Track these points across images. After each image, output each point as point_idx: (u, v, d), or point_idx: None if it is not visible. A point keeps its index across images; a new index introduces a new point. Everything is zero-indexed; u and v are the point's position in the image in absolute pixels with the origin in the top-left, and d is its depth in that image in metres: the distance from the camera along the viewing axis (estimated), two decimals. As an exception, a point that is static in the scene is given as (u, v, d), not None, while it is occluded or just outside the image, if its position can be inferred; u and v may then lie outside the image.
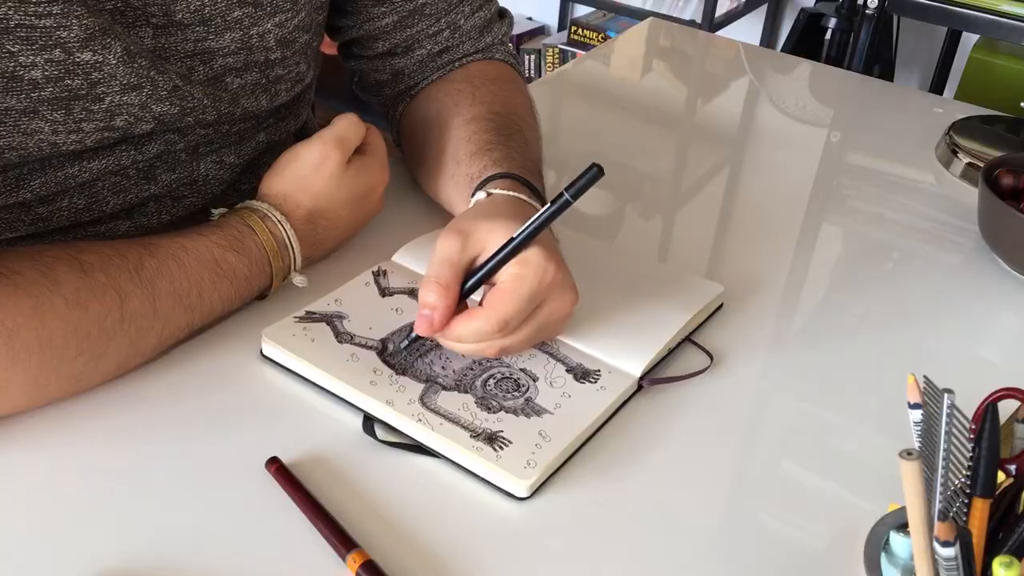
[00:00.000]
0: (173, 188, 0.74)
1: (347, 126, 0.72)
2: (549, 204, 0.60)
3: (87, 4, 0.61)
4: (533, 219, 0.60)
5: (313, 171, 0.70)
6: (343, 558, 0.51)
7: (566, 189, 0.60)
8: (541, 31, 3.07)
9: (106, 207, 0.70)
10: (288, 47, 0.75)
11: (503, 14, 0.90)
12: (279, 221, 0.68)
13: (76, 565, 0.51)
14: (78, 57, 0.61)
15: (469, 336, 0.61)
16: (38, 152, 0.64)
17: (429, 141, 0.82)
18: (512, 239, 0.61)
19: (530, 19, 3.10)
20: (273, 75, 0.75)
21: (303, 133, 0.89)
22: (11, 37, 0.58)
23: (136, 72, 0.64)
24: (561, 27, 3.01)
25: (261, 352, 0.65)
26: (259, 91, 0.75)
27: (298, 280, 0.70)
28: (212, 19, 0.68)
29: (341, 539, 0.52)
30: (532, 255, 0.61)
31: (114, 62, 0.63)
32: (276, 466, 0.56)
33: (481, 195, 0.69)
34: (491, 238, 0.62)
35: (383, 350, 0.65)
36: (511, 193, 0.68)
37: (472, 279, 0.62)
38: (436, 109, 0.82)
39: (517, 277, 0.60)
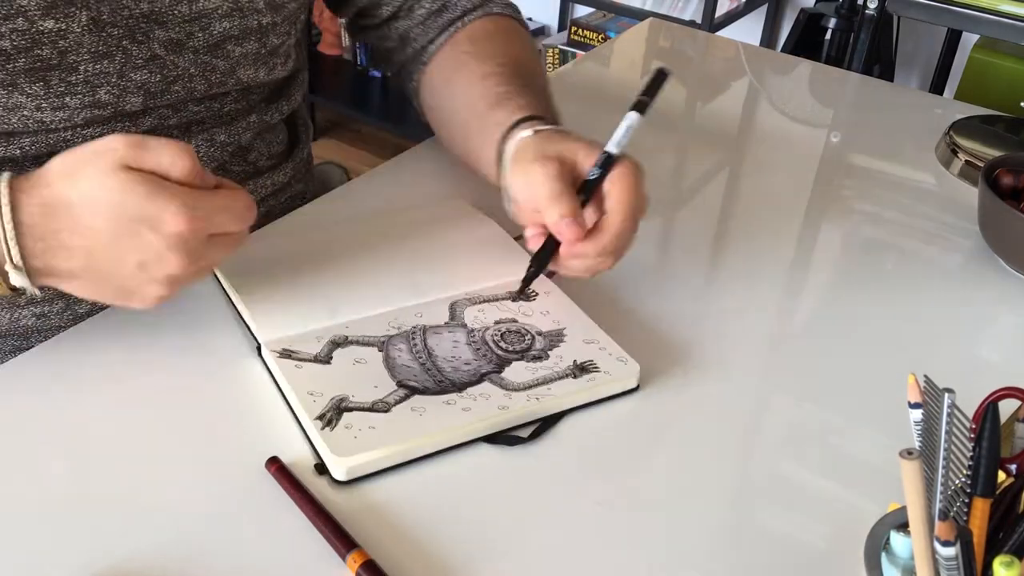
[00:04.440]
0: None
1: (164, 144, 0.56)
2: (632, 111, 0.68)
3: None
4: (620, 127, 0.67)
5: (91, 155, 0.56)
6: (343, 558, 0.51)
7: (641, 93, 0.69)
8: (541, 31, 3.07)
9: None
10: (277, 12, 0.75)
11: None
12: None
13: (76, 565, 0.51)
14: (41, 25, 0.62)
15: (610, 243, 0.65)
16: (24, 129, 0.64)
17: (446, 106, 0.83)
18: (604, 151, 0.66)
19: (530, 19, 3.09)
20: (270, 45, 0.76)
21: (294, 118, 0.90)
22: None
23: (105, 41, 0.65)
24: (561, 27, 3.00)
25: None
26: (259, 63, 0.75)
27: (16, 279, 0.57)
28: None
29: (341, 539, 0.52)
30: (623, 157, 0.66)
31: (78, 30, 0.63)
32: (276, 466, 0.56)
33: (526, 133, 0.70)
34: (579, 150, 0.66)
35: (427, 389, 0.62)
36: (555, 127, 0.70)
37: (585, 189, 0.66)
38: (447, 75, 0.84)
39: (626, 175, 0.65)
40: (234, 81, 0.74)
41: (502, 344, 0.66)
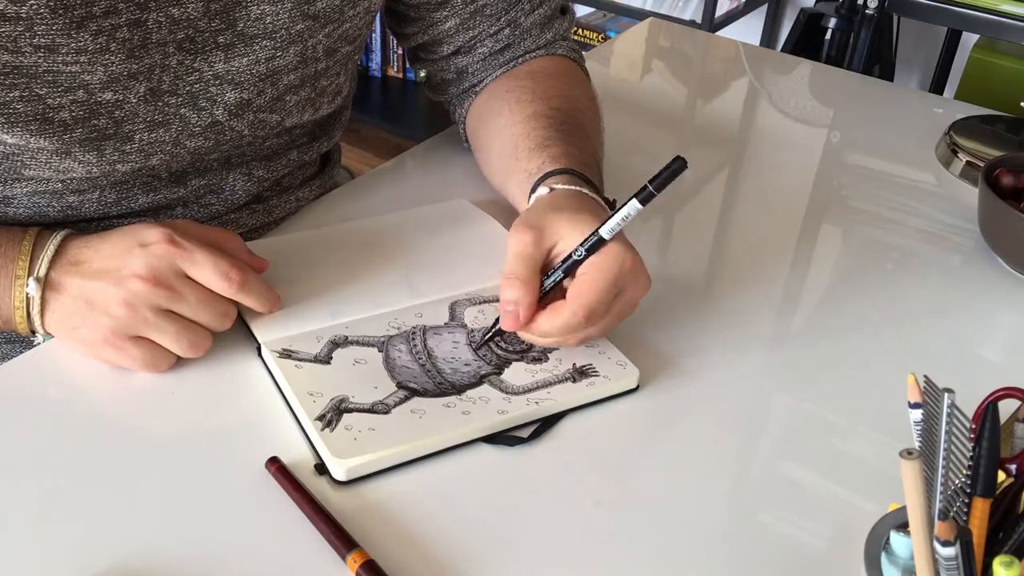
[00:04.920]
0: (201, 194, 0.75)
1: (233, 246, 0.65)
2: (634, 198, 0.62)
3: (128, 50, 0.62)
4: (618, 213, 0.62)
5: (134, 245, 0.61)
6: (343, 558, 0.51)
7: (650, 182, 0.61)
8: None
9: (135, 204, 0.72)
10: (331, 56, 0.75)
11: (565, 10, 0.91)
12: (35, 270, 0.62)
13: (76, 565, 0.51)
14: (99, 97, 0.63)
15: (556, 331, 0.62)
16: (70, 179, 0.66)
17: (492, 136, 0.82)
18: (594, 234, 0.62)
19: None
20: (319, 87, 0.76)
21: (331, 155, 0.90)
22: (39, 81, 0.60)
23: (161, 110, 0.66)
24: (561, 27, 3.00)
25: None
26: (306, 104, 0.75)
27: (39, 335, 0.64)
28: (276, 32, 0.68)
29: (341, 539, 0.52)
30: (611, 243, 0.62)
31: (134, 100, 0.64)
32: (276, 466, 0.56)
33: (543, 190, 0.69)
34: (563, 229, 0.63)
35: (434, 391, 0.62)
36: (572, 188, 0.68)
37: (553, 274, 0.63)
38: (498, 106, 0.83)
39: (599, 267, 0.61)
40: (280, 129, 0.75)
41: (502, 344, 0.66)
